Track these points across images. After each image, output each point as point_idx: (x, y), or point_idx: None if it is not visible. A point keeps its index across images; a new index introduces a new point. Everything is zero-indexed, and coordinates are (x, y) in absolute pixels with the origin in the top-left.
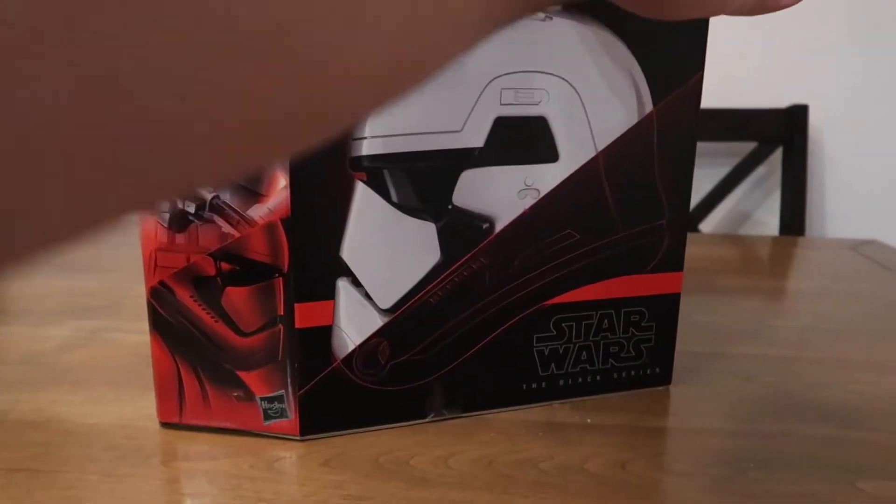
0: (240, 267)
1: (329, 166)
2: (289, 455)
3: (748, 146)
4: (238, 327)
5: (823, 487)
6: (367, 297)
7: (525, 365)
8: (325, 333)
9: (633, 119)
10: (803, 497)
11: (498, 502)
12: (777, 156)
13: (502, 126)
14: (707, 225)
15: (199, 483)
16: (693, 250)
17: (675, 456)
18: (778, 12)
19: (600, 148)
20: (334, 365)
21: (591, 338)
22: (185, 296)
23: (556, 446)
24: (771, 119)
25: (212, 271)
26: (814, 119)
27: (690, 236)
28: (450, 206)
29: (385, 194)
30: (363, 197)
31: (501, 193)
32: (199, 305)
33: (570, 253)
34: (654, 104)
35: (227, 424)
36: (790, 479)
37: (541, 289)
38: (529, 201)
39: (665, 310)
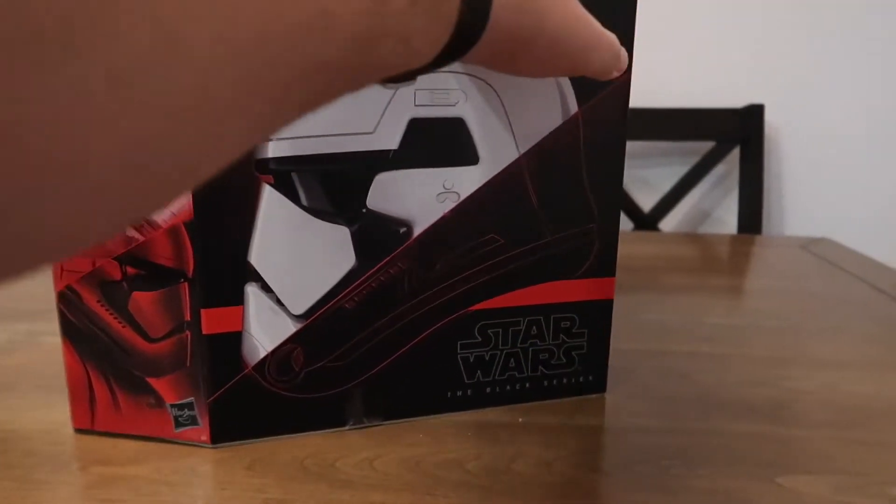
0: (145, 271)
1: (232, 168)
2: (210, 459)
3: (706, 145)
4: (146, 333)
5: (743, 483)
6: (279, 302)
7: (449, 372)
8: (234, 340)
9: (556, 121)
10: (722, 493)
11: (420, 503)
12: (735, 155)
13: (417, 127)
14: (667, 224)
15: (117, 489)
16: (649, 249)
17: (601, 454)
18: (735, 13)
19: (523, 150)
20: (245, 372)
21: (518, 345)
22: (92, 300)
23: (485, 446)
24: (728, 119)
25: (118, 275)
26: (769, 118)
27: (649, 235)
28: (364, 210)
29: (294, 198)
30: (270, 200)
31: (419, 197)
32: (107, 310)
33: (495, 258)
34: (580, 105)
35: (139, 431)
36: (711, 475)
37: (464, 294)
38: (449, 205)
39: (597, 316)
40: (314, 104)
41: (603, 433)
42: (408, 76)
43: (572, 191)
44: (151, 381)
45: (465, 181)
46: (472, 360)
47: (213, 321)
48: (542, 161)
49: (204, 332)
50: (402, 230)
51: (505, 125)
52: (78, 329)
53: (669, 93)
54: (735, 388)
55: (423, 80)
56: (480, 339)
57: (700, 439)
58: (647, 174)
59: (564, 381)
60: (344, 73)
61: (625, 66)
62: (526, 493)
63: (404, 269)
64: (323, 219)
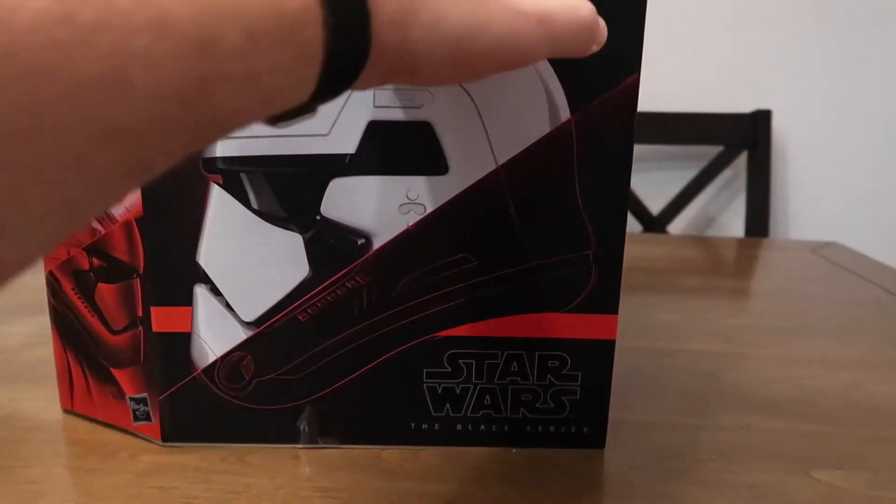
0: (106, 263)
1: (182, 165)
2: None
3: (714, 150)
4: (109, 324)
5: (779, 477)
6: (228, 307)
7: (413, 401)
8: (183, 340)
9: (543, 129)
10: (760, 486)
11: None
12: (742, 159)
13: (377, 131)
14: (674, 227)
15: (169, 477)
16: (660, 250)
17: (634, 449)
18: (744, 17)
19: (502, 161)
20: (195, 374)
21: (496, 381)
22: (68, 287)
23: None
24: (736, 123)
25: (86, 265)
26: (777, 124)
27: (659, 237)
28: (318, 217)
29: (244, 199)
30: (219, 201)
31: (379, 207)
32: (79, 298)
33: (467, 280)
34: (573, 111)
35: (106, 419)
36: (746, 469)
37: (431, 318)
38: (413, 217)
39: (594, 358)
40: (145, 169)
41: (634, 428)
42: (297, 112)
43: (563, 211)
44: (115, 371)
45: (433, 192)
46: (439, 390)
47: (162, 319)
48: (525, 174)
49: (154, 329)
50: (361, 242)
51: (479, 131)
52: (60, 313)
53: (678, 97)
54: (758, 385)
55: None
56: (450, 369)
57: (731, 435)
58: (656, 177)
59: (552, 428)
60: (168, 131)
61: (603, 38)
62: (564, 483)
63: (363, 284)
64: (274, 224)
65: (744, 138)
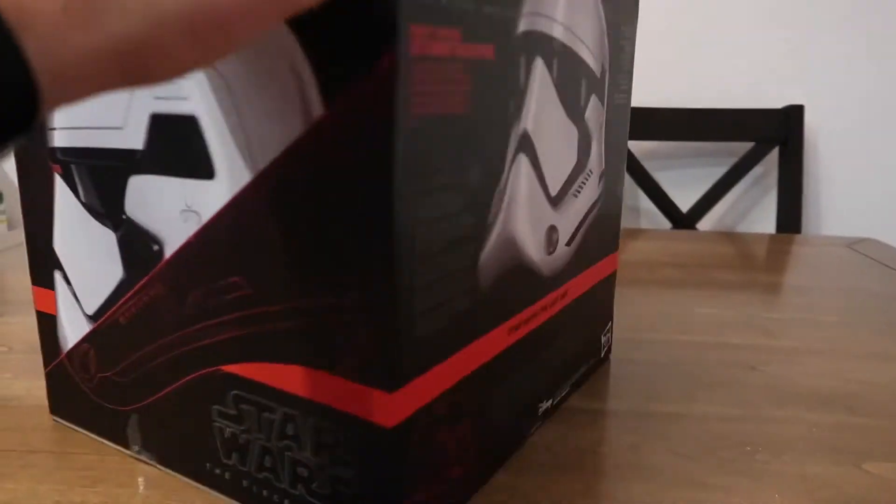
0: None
1: (38, 150)
2: None
3: (745, 146)
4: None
5: (829, 469)
6: (76, 296)
7: (206, 439)
8: (52, 322)
9: (296, 128)
10: (810, 478)
11: None
12: (773, 156)
13: (159, 125)
14: (704, 224)
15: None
16: (693, 246)
17: (683, 440)
18: (776, 12)
19: (261, 167)
20: (61, 357)
21: (273, 441)
22: None
23: None
24: (767, 119)
25: None
26: (809, 119)
27: (691, 233)
28: (123, 217)
29: (76, 191)
30: (61, 191)
31: (165, 211)
32: None
33: (242, 310)
34: (326, 104)
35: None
36: (796, 461)
37: (216, 347)
38: (192, 227)
39: (373, 446)
40: None
41: (681, 420)
42: None
43: (319, 240)
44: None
45: (205, 199)
46: (227, 435)
47: (39, 298)
48: (285, 185)
49: (35, 307)
50: (155, 248)
51: (237, 131)
52: None
53: (707, 93)
54: (804, 379)
55: None
56: (235, 413)
57: (779, 427)
58: (685, 174)
59: None
60: None
61: None
62: (615, 475)
63: (161, 294)
64: (96, 218)
65: (775, 134)
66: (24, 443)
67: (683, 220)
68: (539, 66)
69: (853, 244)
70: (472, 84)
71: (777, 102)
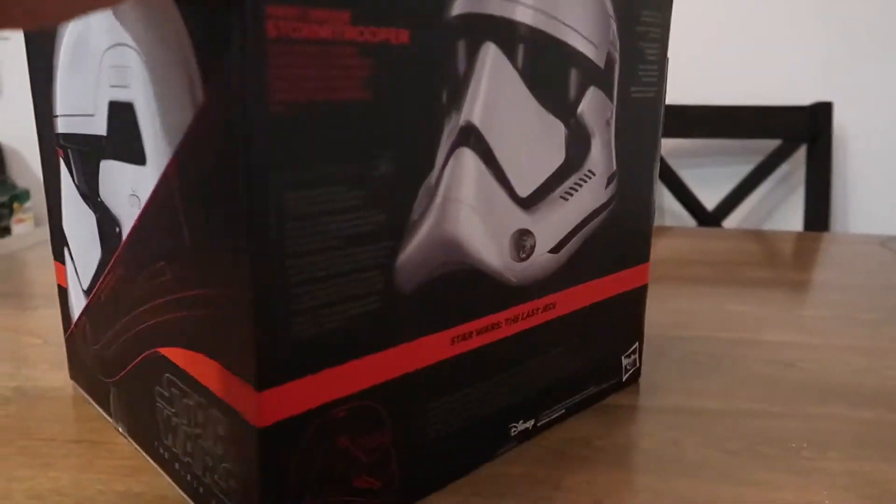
0: None
1: (51, 135)
2: None
3: (772, 143)
4: None
5: (877, 465)
6: (77, 272)
7: (153, 418)
8: (65, 294)
9: (188, 115)
10: (858, 475)
11: None
12: (801, 153)
13: (113, 112)
14: (730, 222)
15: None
16: (719, 244)
17: (725, 435)
18: (805, 9)
19: (169, 154)
20: (72, 327)
21: (191, 426)
22: None
23: None
24: (795, 116)
25: None
26: (838, 117)
27: (715, 231)
28: (98, 199)
29: (72, 175)
30: (64, 174)
31: (121, 195)
32: None
33: (164, 295)
34: (206, 86)
35: None
36: (842, 457)
37: (153, 329)
38: (136, 211)
39: (250, 446)
40: None
41: (721, 416)
42: None
43: (208, 230)
44: None
45: (144, 185)
46: (165, 415)
47: (60, 273)
48: (182, 177)
49: (56, 281)
50: (117, 230)
51: (156, 116)
52: None
53: (734, 89)
54: (843, 376)
55: (113, 55)
56: (168, 395)
57: (822, 424)
58: (711, 172)
59: None
60: None
61: None
62: (659, 469)
63: (121, 275)
64: (84, 201)
65: (803, 132)
66: (66, 432)
67: (709, 219)
68: (491, 52)
69: (887, 242)
70: (373, 70)
71: (805, 99)
